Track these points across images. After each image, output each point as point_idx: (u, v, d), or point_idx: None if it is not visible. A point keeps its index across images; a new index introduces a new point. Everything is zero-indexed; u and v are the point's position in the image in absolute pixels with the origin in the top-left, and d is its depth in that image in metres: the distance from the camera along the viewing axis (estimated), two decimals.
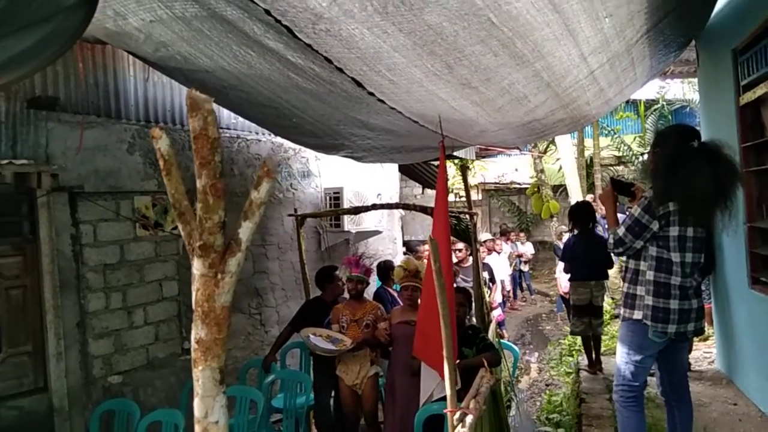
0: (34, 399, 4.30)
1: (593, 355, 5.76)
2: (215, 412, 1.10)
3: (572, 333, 6.11)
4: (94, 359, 4.67)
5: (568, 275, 6.11)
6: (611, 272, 7.85)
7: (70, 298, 4.51)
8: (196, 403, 1.10)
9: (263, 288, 6.39)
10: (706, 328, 3.33)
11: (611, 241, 3.17)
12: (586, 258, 5.66)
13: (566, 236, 9.15)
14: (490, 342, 4.31)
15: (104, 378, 4.73)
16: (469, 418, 3.05)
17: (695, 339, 5.56)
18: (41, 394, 4.35)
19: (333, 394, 5.12)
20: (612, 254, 5.14)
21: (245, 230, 1.16)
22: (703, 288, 3.99)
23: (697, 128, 3.36)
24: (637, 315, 3.09)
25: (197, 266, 1.12)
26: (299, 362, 5.96)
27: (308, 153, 6.94)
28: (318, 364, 5.30)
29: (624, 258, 3.35)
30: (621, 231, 3.13)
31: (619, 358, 3.23)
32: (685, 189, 2.88)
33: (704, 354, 5.81)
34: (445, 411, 3.18)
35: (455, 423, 3.05)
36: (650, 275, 3.06)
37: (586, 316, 5.69)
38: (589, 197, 12.48)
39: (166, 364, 5.20)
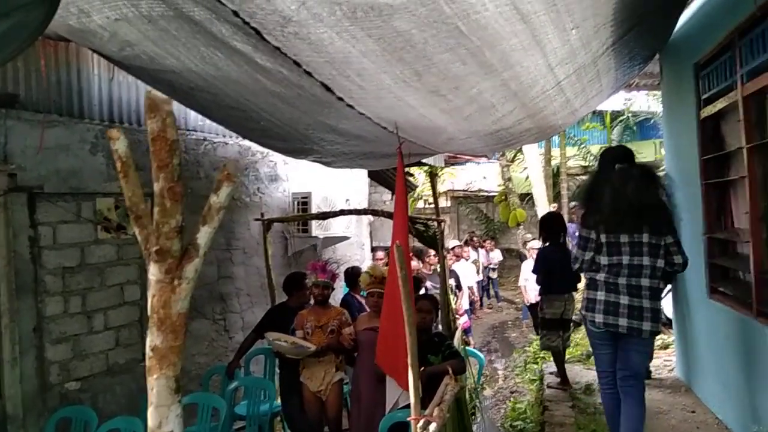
0: None
1: (564, 371, 5.67)
2: (170, 422, 1.07)
3: (546, 348, 5.90)
4: (51, 365, 4.53)
5: (538, 287, 6.06)
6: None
7: (27, 302, 4.38)
8: (150, 412, 1.07)
9: (228, 293, 6.30)
10: (651, 330, 3.46)
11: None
12: (561, 271, 5.49)
13: (532, 244, 9.25)
14: (455, 350, 4.31)
15: (61, 384, 4.60)
16: (432, 426, 3.04)
17: (656, 347, 5.65)
18: None
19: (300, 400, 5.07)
20: None
21: (203, 235, 1.13)
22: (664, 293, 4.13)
23: (629, 150, 3.82)
24: (581, 308, 3.71)
25: (153, 272, 1.09)
26: (263, 369, 5.88)
27: (276, 157, 6.88)
28: (284, 370, 5.25)
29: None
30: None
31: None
32: (604, 204, 3.48)
33: (665, 362, 5.92)
34: (409, 419, 3.17)
35: (419, 431, 3.05)
36: (587, 275, 3.68)
37: (558, 329, 5.61)
38: (553, 206, 12.66)
39: (126, 370, 5.08)
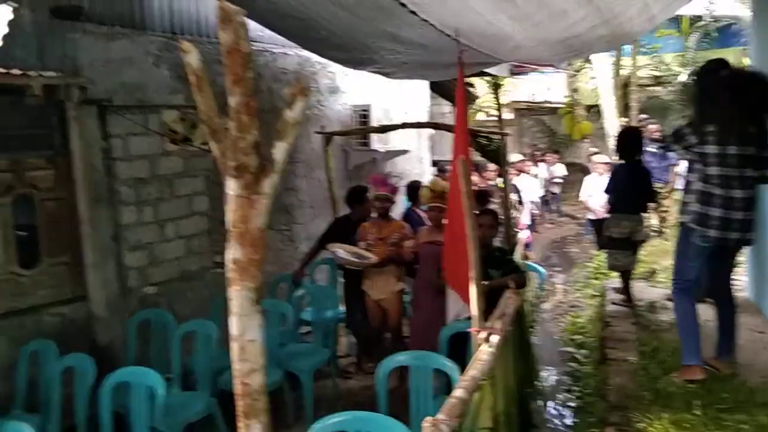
0: (74, 307, 4.47)
1: (628, 289, 5.52)
2: (252, 331, 1.11)
3: (612, 268, 5.65)
4: (129, 270, 4.80)
5: (603, 203, 5.82)
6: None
7: (104, 211, 4.59)
8: (233, 321, 1.11)
9: (292, 205, 6.43)
10: (753, 240, 3.56)
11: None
12: (634, 190, 5.30)
13: (597, 158, 8.94)
14: (516, 264, 4.32)
15: (140, 289, 4.88)
16: (494, 338, 3.09)
17: None
18: (81, 302, 4.51)
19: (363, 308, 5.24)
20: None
21: (280, 150, 1.13)
22: None
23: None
24: (686, 219, 3.57)
25: (232, 187, 1.10)
26: (328, 278, 6.08)
27: (336, 68, 6.77)
28: (347, 278, 5.41)
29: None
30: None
31: (675, 257, 3.79)
32: (714, 114, 3.40)
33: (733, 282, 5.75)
34: (470, 330, 3.23)
35: (480, 342, 3.11)
36: (697, 186, 3.50)
37: (626, 248, 5.36)
38: (623, 120, 12.11)
39: (197, 276, 5.33)
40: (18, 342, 4.08)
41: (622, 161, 5.43)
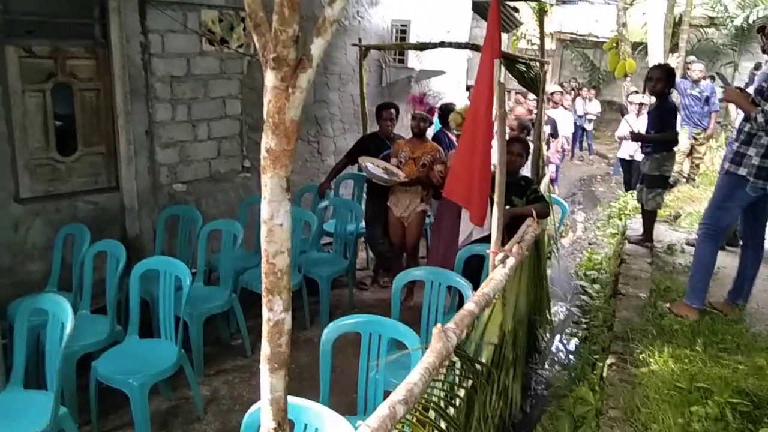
0: (108, 196, 4.64)
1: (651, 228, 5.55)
2: (280, 216, 1.18)
3: (658, 207, 5.52)
4: (160, 166, 4.93)
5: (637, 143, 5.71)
6: None
7: (139, 106, 4.67)
8: (263, 206, 1.18)
9: (322, 117, 6.45)
10: None
11: (762, 119, 3.47)
12: (674, 127, 5.34)
13: (634, 98, 8.72)
14: (541, 194, 4.34)
15: (170, 185, 5.02)
16: (510, 260, 3.18)
17: None
18: (113, 192, 4.68)
19: (384, 225, 5.36)
20: None
21: (317, 47, 1.16)
22: None
23: None
24: (742, 171, 3.60)
25: (270, 78, 1.14)
26: (352, 193, 6.18)
27: None
28: (371, 195, 5.51)
29: None
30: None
31: (712, 203, 3.86)
32: None
33: None
34: (488, 251, 3.31)
35: (496, 263, 3.20)
36: (765, 140, 3.52)
37: (665, 187, 5.44)
38: (672, 58, 11.67)
39: (226, 178, 5.46)
40: (54, 225, 4.28)
41: (666, 97, 5.30)
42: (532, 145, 5.28)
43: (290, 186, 1.15)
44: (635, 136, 5.79)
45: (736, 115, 6.48)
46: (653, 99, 5.64)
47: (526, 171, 5.28)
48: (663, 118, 5.25)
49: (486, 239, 3.83)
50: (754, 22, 14.29)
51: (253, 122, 5.49)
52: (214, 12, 5.05)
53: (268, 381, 1.30)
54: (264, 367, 1.30)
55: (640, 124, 7.23)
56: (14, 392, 2.95)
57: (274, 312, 1.24)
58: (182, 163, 5.09)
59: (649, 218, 5.52)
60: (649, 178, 5.34)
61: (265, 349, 1.28)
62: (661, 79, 5.16)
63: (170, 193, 5.04)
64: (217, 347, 4.48)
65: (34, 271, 4.25)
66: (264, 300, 1.23)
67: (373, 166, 5.01)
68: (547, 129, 7.50)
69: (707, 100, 8.24)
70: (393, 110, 5.54)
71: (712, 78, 8.68)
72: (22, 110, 4.10)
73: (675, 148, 5.39)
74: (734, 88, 3.86)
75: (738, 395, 2.76)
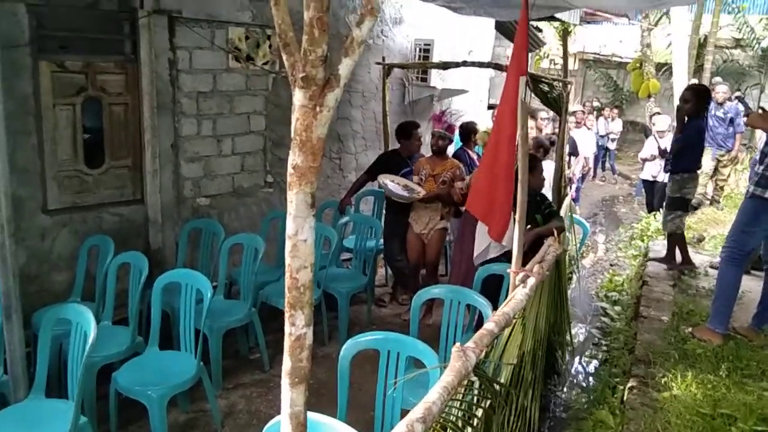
0: (132, 209, 4.71)
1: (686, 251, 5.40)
2: (305, 232, 1.20)
3: (678, 229, 5.33)
4: (185, 180, 5.00)
5: (661, 164, 5.58)
6: None
7: (166, 121, 4.76)
8: (289, 222, 1.20)
9: (345, 134, 6.50)
10: None
11: None
12: (701, 149, 5.22)
13: (658, 120, 8.63)
14: (555, 209, 4.36)
15: (193, 199, 5.09)
16: (531, 280, 3.16)
17: None
18: (138, 205, 4.75)
19: (402, 241, 5.37)
20: None
21: (345, 66, 1.19)
22: None
23: None
24: (765, 193, 3.56)
25: (298, 97, 1.17)
26: (372, 209, 6.20)
27: None
28: (391, 212, 5.52)
29: None
30: None
31: (737, 226, 3.80)
32: None
33: None
34: (508, 270, 3.30)
35: (517, 283, 3.18)
36: None
37: (687, 209, 5.30)
38: (693, 80, 11.58)
39: (249, 193, 5.51)
40: (80, 236, 4.36)
41: (696, 117, 5.17)
42: (553, 165, 5.28)
43: (315, 202, 1.18)
44: (663, 153, 5.73)
45: (761, 136, 6.38)
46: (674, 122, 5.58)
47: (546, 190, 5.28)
48: (687, 138, 5.14)
49: (503, 257, 3.83)
50: None
51: (276, 138, 5.56)
52: (241, 29, 5.14)
53: (289, 395, 1.31)
54: (285, 381, 1.31)
55: (665, 144, 7.17)
56: (36, 400, 2.99)
57: (296, 327, 1.26)
58: (206, 178, 5.16)
59: (673, 241, 5.44)
60: (669, 200, 5.28)
61: (286, 363, 1.29)
62: (689, 100, 5.09)
63: (194, 206, 5.11)
64: (236, 361, 4.49)
65: (59, 281, 4.33)
66: (286, 314, 1.25)
67: (392, 183, 5.04)
68: (566, 148, 7.47)
69: (731, 121, 8.16)
70: (420, 130, 5.58)
71: (740, 99, 8.60)
72: (53, 123, 4.20)
73: (698, 170, 5.32)
74: (757, 113, 3.84)
75: (763, 423, 2.71)
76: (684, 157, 5.16)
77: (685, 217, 5.37)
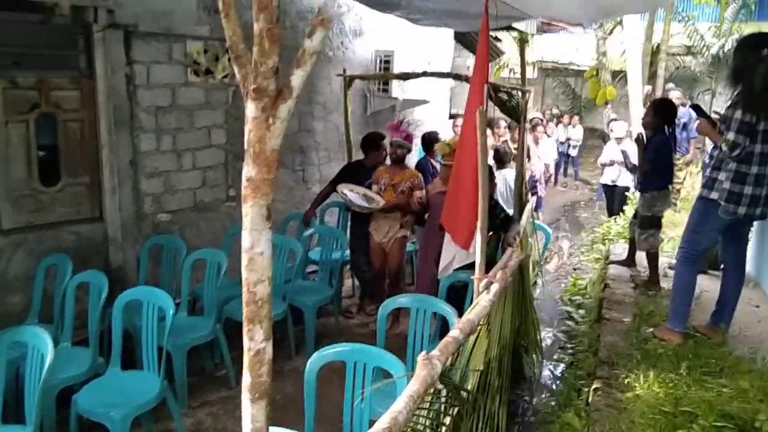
0: (91, 227, 4.61)
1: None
2: (261, 245, 1.19)
3: (652, 248, 5.12)
4: (145, 196, 4.91)
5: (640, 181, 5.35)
6: None
7: (124, 137, 4.67)
8: (244, 235, 1.19)
9: (307, 146, 6.48)
10: None
11: (725, 148, 3.53)
12: (671, 163, 5.11)
13: (615, 126, 8.78)
14: (507, 213, 4.48)
15: (154, 215, 5.00)
16: (494, 287, 3.19)
17: None
18: (97, 223, 4.64)
19: (368, 252, 5.38)
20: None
21: (297, 78, 1.18)
22: None
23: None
24: (714, 195, 3.64)
25: (251, 109, 1.16)
26: (337, 220, 6.19)
27: (362, 11, 6.68)
28: (355, 222, 5.53)
29: None
30: (731, 136, 3.47)
31: (689, 227, 3.89)
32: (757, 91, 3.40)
33: None
34: (472, 278, 3.32)
35: (481, 290, 3.21)
36: (732, 165, 3.55)
37: (655, 227, 5.09)
38: (647, 88, 11.90)
39: (211, 208, 5.44)
40: (36, 256, 4.24)
41: (659, 132, 5.04)
42: (513, 173, 5.36)
43: (271, 215, 1.17)
44: (632, 170, 5.58)
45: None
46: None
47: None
48: (654, 155, 4.98)
49: (470, 266, 3.86)
50: (729, 50, 14.67)
51: (237, 152, 5.51)
52: (200, 43, 5.09)
53: (250, 411, 1.29)
54: (245, 397, 1.30)
55: (625, 147, 7.27)
56: None
57: (255, 341, 1.25)
58: (167, 193, 5.08)
59: (649, 260, 5.23)
60: (641, 219, 5.09)
61: (246, 379, 1.28)
62: (647, 115, 5.10)
63: (154, 222, 5.02)
64: (201, 378, 4.42)
65: (14, 303, 4.19)
66: (245, 329, 1.23)
67: (351, 193, 5.05)
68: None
69: (685, 126, 8.40)
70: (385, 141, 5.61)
71: (694, 107, 8.82)
72: (5, 141, 4.09)
73: (670, 186, 5.20)
74: (705, 121, 3.92)
75: (723, 418, 2.77)
76: (654, 174, 5.02)
77: (659, 234, 5.19)
